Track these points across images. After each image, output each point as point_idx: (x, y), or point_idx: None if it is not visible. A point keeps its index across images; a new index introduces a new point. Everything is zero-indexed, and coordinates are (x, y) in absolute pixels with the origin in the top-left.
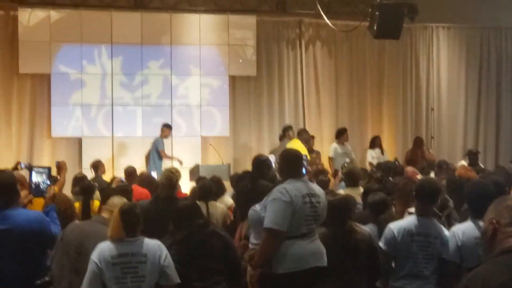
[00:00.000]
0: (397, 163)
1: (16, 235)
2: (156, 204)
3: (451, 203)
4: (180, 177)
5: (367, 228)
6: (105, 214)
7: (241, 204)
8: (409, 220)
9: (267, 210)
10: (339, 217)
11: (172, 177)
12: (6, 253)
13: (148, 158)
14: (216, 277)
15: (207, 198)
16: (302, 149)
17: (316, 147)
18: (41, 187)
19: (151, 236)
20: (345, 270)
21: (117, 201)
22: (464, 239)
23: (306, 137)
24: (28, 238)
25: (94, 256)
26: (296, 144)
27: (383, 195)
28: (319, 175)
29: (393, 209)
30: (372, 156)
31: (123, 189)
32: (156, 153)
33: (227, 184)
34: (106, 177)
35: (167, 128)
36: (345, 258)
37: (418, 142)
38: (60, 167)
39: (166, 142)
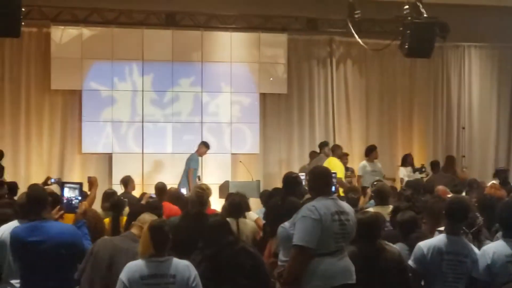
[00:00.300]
0: (423, 169)
1: (48, 246)
2: (185, 220)
3: (480, 220)
4: (210, 194)
5: (397, 247)
6: (135, 231)
7: (271, 220)
8: (439, 239)
9: (296, 227)
10: (368, 235)
11: (202, 194)
12: (38, 265)
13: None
14: None
15: (237, 215)
16: (340, 167)
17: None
18: (73, 203)
19: (181, 252)
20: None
21: (148, 218)
22: (495, 258)
23: (340, 153)
24: (60, 250)
25: (123, 276)
26: (333, 162)
27: (413, 214)
28: (349, 193)
29: (423, 228)
30: (404, 174)
31: (153, 206)
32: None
33: (256, 200)
34: (136, 194)
35: (205, 146)
36: (374, 276)
37: (449, 161)
38: (91, 182)
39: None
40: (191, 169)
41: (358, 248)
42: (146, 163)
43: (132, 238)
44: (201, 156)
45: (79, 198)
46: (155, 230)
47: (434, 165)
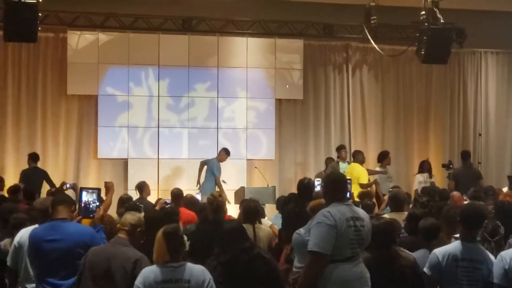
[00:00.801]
0: (451, 166)
1: (65, 245)
2: (201, 227)
3: (502, 230)
4: (223, 201)
5: (419, 254)
6: (121, 235)
7: (287, 226)
8: (454, 246)
9: (311, 233)
10: (384, 241)
11: (213, 201)
12: (54, 265)
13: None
14: None
15: (253, 220)
16: (364, 173)
17: None
18: (90, 207)
19: (196, 258)
20: None
21: (130, 218)
22: (510, 261)
23: (361, 159)
24: (77, 249)
25: (139, 282)
26: (356, 169)
27: (434, 221)
28: (364, 199)
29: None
30: (420, 181)
31: (170, 212)
32: (211, 175)
33: (272, 206)
34: (151, 199)
35: (225, 153)
36: (389, 283)
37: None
38: (108, 188)
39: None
40: (218, 178)
41: (373, 254)
42: (161, 169)
43: (121, 243)
44: (222, 162)
45: (97, 203)
46: (170, 236)
47: (465, 154)
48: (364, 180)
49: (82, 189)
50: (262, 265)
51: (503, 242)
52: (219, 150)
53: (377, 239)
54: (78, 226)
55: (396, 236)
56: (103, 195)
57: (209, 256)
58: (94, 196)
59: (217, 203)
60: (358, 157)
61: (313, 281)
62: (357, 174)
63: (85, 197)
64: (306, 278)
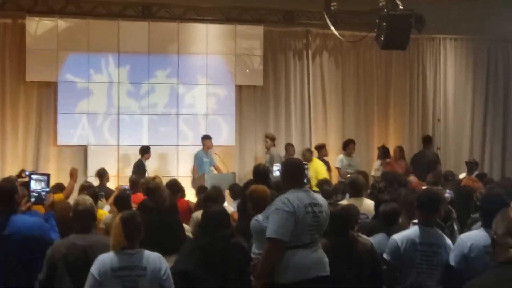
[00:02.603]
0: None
1: (16, 240)
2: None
3: (454, 214)
4: (157, 184)
5: (378, 238)
6: None
7: (245, 213)
8: (412, 230)
9: (269, 220)
10: (340, 227)
11: (144, 184)
12: (7, 259)
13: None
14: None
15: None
16: (323, 169)
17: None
18: (42, 195)
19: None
20: (347, 280)
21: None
22: (472, 247)
23: (324, 153)
24: (28, 244)
25: (93, 269)
26: (315, 164)
27: (395, 206)
28: (323, 185)
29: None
30: (376, 168)
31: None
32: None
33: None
34: (111, 186)
35: (206, 139)
36: (347, 268)
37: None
38: (71, 174)
39: (172, 152)
40: (194, 167)
41: (330, 240)
42: (121, 155)
43: (92, 232)
44: (209, 149)
45: (47, 189)
46: (127, 221)
47: (426, 139)
48: (324, 175)
49: (31, 175)
50: (239, 254)
51: (454, 226)
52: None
53: (334, 225)
54: (27, 220)
55: (354, 222)
56: (56, 181)
57: (150, 243)
58: (43, 183)
59: (151, 185)
60: (322, 151)
61: (271, 267)
62: (318, 170)
63: (34, 184)
64: (265, 264)
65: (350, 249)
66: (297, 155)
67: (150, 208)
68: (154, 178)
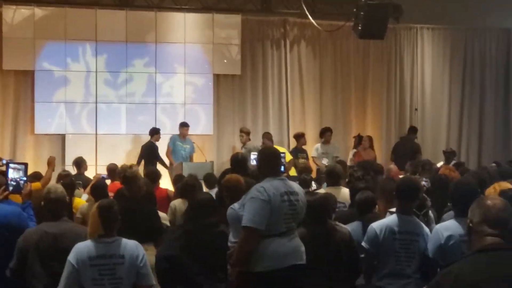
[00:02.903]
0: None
1: None
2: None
3: (428, 202)
4: (134, 172)
5: (353, 226)
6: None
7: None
8: (390, 219)
9: (245, 208)
10: (318, 216)
11: (120, 172)
12: None
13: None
14: (220, 275)
15: (189, 196)
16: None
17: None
18: (20, 184)
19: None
20: (325, 269)
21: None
22: (448, 237)
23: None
24: (4, 233)
25: (71, 257)
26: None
27: (370, 194)
28: (302, 173)
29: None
30: (351, 158)
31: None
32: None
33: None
34: (89, 174)
35: (181, 126)
36: (325, 257)
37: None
38: (49, 163)
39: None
40: (169, 148)
41: (308, 230)
42: (99, 144)
43: (65, 220)
44: (185, 137)
45: (24, 178)
46: (104, 210)
47: (411, 129)
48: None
49: (9, 164)
50: (224, 242)
51: (429, 214)
52: None
53: (312, 214)
54: (4, 209)
55: (332, 210)
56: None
57: (126, 232)
58: (21, 172)
59: (128, 174)
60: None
61: (247, 256)
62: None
63: (12, 173)
64: (240, 253)
65: (328, 238)
66: (275, 144)
67: (126, 197)
68: (131, 166)
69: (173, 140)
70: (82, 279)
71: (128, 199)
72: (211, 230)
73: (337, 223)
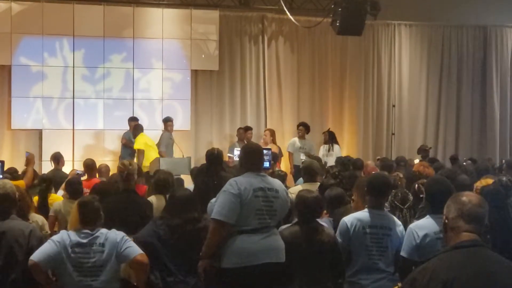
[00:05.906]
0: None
1: None
2: (114, 198)
3: (411, 196)
4: (134, 169)
5: (323, 222)
6: None
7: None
8: (362, 213)
9: (216, 201)
10: (311, 215)
11: (123, 169)
12: None
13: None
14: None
15: (163, 192)
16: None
17: (278, 141)
18: None
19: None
20: (313, 268)
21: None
22: (423, 236)
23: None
24: None
25: (56, 238)
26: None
27: (340, 191)
28: (276, 169)
29: (351, 204)
30: (322, 154)
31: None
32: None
33: (188, 177)
34: (66, 170)
35: (166, 121)
36: (310, 256)
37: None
38: (29, 160)
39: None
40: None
41: (301, 228)
42: (77, 140)
43: (12, 217)
44: (170, 132)
45: (0, 176)
46: (83, 206)
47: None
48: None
49: None
50: (204, 237)
51: (412, 209)
52: None
53: (304, 212)
54: None
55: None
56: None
57: (125, 226)
58: None
59: (127, 171)
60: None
61: (214, 248)
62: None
63: None
64: (209, 246)
65: (316, 237)
66: (254, 138)
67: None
68: (130, 163)
69: (166, 138)
70: (64, 264)
71: (122, 192)
72: (192, 225)
73: (319, 222)
